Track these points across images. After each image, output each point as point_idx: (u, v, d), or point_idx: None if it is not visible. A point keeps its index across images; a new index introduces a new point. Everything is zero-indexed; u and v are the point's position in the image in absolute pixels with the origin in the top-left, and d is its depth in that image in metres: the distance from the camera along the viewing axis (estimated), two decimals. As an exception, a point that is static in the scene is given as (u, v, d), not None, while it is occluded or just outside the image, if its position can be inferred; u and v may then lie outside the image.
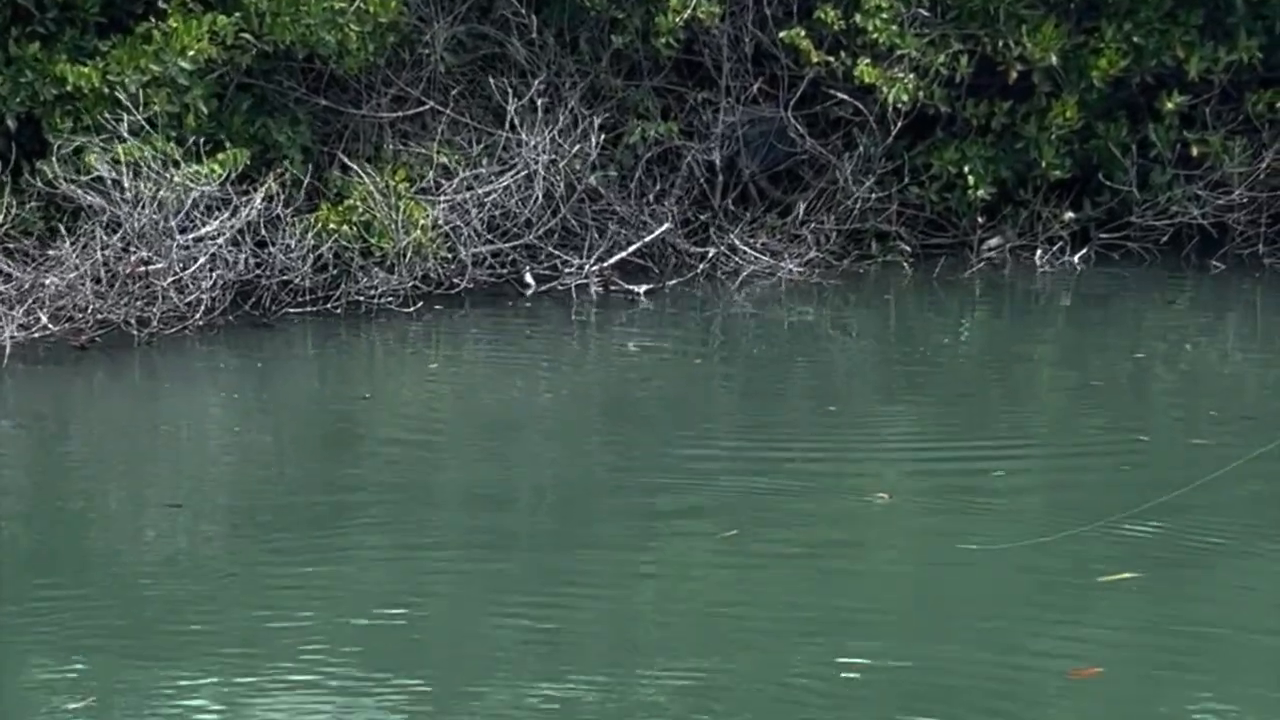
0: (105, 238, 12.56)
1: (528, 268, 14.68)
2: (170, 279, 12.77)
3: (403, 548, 8.74)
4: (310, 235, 13.54)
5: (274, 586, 8.20)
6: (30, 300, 12.35)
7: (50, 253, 12.68)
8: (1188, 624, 7.21)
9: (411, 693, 6.89)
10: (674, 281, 14.73)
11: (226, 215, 13.07)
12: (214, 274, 12.97)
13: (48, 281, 12.32)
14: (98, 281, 12.68)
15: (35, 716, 6.79)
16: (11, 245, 12.83)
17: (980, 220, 15.64)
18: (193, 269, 12.89)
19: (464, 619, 7.75)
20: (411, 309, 13.72)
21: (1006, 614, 7.29)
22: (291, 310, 13.54)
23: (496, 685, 6.96)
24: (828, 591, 7.72)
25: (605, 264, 14.70)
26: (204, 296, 12.89)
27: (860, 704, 6.50)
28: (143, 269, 12.54)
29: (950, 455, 9.92)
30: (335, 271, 13.72)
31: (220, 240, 12.99)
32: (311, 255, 13.52)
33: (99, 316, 12.53)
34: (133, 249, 12.71)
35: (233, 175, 13.32)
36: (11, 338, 12.07)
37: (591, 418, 11.46)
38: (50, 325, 12.44)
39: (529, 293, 14.50)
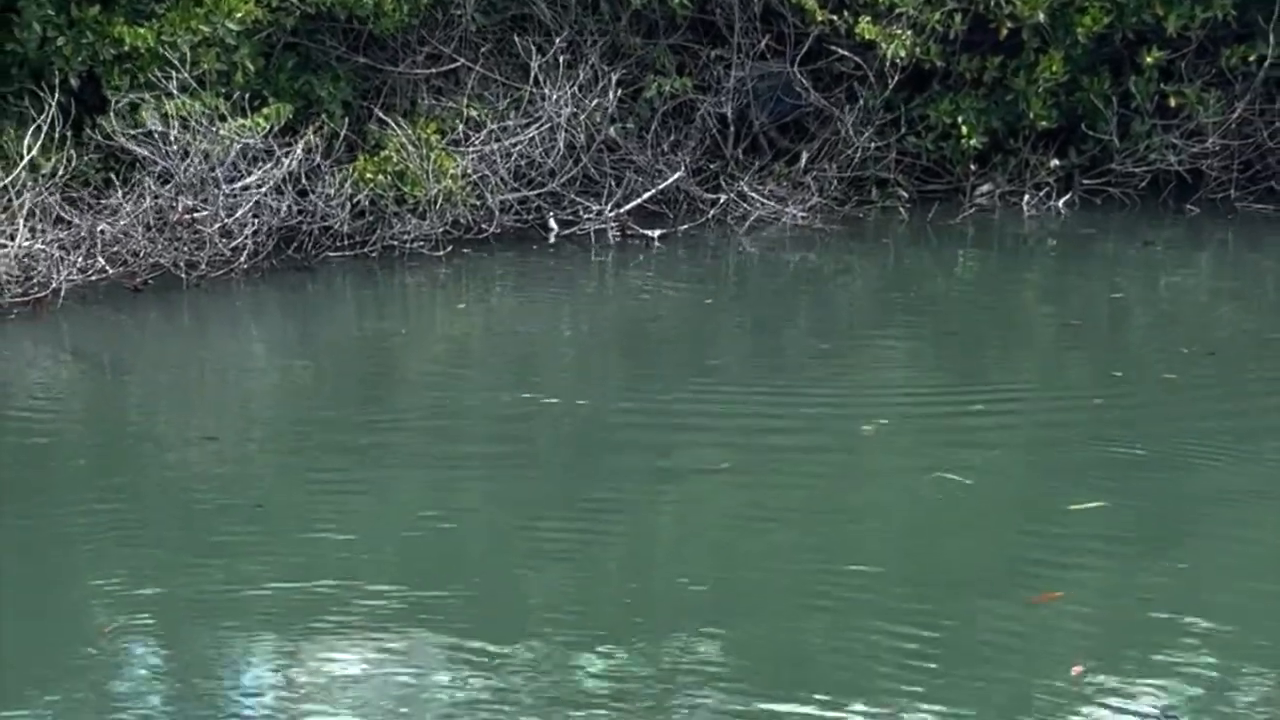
0: (155, 187, 12.41)
1: (551, 214, 14.51)
2: (216, 225, 12.63)
3: (438, 469, 8.63)
4: (348, 184, 13.39)
5: (318, 503, 8.08)
6: (87, 245, 12.20)
7: (105, 202, 12.48)
8: (1152, 550, 7.02)
9: (450, 602, 6.80)
10: (685, 226, 14.53)
11: (270, 166, 12.90)
12: (257, 221, 12.82)
13: (101, 228, 12.15)
14: (149, 228, 12.55)
15: (94, 617, 6.79)
16: (74, 194, 12.68)
17: (972, 168, 15.46)
18: (237, 215, 12.74)
19: (498, 533, 7.66)
20: (442, 253, 13.56)
21: (973, 541, 7.11)
22: (330, 255, 13.40)
23: (530, 592, 6.91)
24: (809, 518, 7.55)
25: (622, 210, 14.51)
26: (248, 242, 12.74)
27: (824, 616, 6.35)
28: (190, 216, 12.39)
29: (936, 390, 9.74)
30: (371, 218, 13.58)
31: (264, 189, 12.84)
32: (349, 203, 13.38)
33: (151, 260, 12.40)
34: (181, 198, 12.55)
35: (276, 129, 13.17)
36: (69, 280, 11.95)
37: (609, 351, 11.33)
38: (108, 268, 12.31)
39: (552, 237, 14.32)
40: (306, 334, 12.18)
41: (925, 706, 5.62)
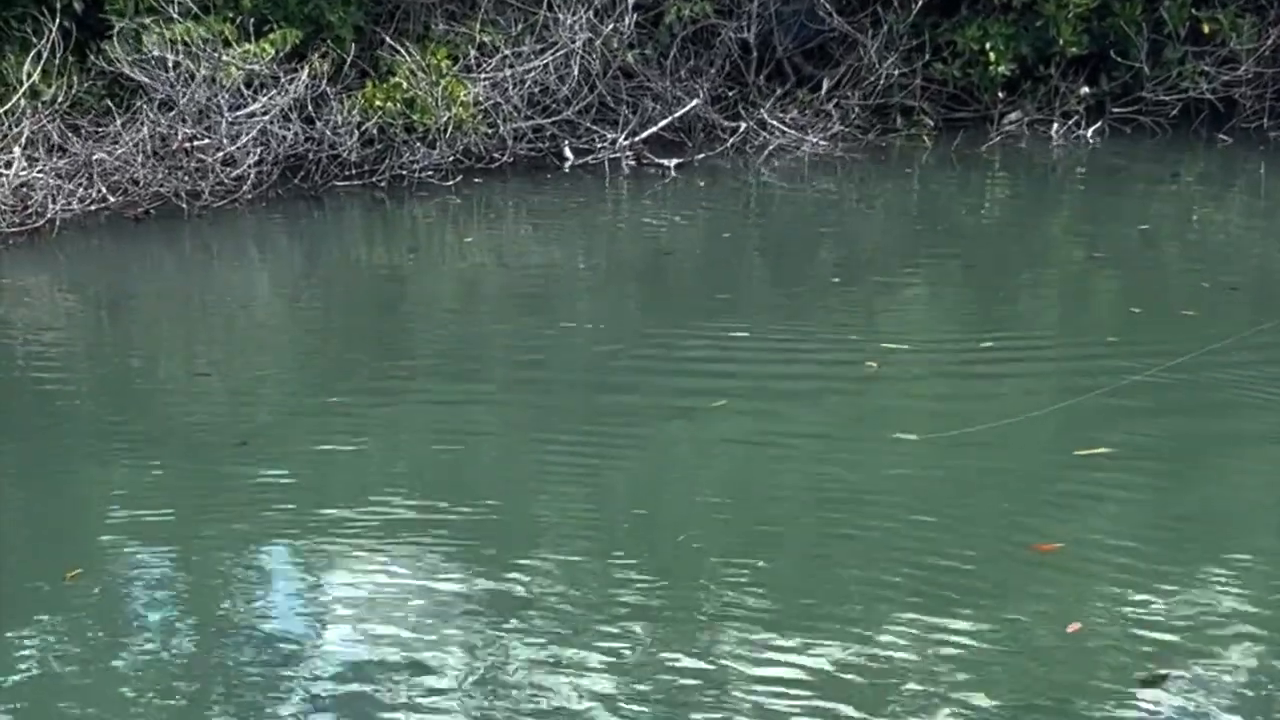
0: (153, 114, 12.15)
1: (566, 142, 14.20)
2: (219, 154, 12.37)
3: (450, 392, 8.42)
4: (356, 112, 13.11)
5: (335, 427, 7.90)
6: (86, 174, 11.96)
7: (105, 129, 12.24)
8: (1158, 499, 6.72)
9: (466, 518, 6.67)
10: (702, 156, 14.22)
11: (274, 92, 12.62)
12: (261, 149, 12.55)
13: (98, 157, 11.91)
14: (151, 157, 12.31)
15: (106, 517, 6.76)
16: (75, 122, 12.44)
17: (1000, 95, 15.10)
18: (241, 143, 12.47)
19: (510, 452, 7.52)
20: (451, 182, 13.29)
21: (977, 485, 6.81)
22: (338, 184, 13.14)
23: (543, 508, 6.77)
24: (815, 452, 7.28)
25: (637, 139, 14.19)
26: (251, 171, 12.48)
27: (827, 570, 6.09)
28: (189, 144, 12.12)
29: (951, 326, 9.43)
30: (380, 147, 13.29)
31: (269, 117, 12.55)
32: (357, 131, 13.09)
33: (152, 190, 12.15)
34: (182, 125, 12.29)
35: (281, 54, 12.89)
36: (67, 209, 11.72)
37: (622, 285, 11.00)
38: (109, 197, 12.08)
39: (567, 166, 14.03)
40: (312, 265, 11.92)
41: (911, 657, 5.37)
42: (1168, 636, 5.48)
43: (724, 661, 5.43)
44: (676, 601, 5.88)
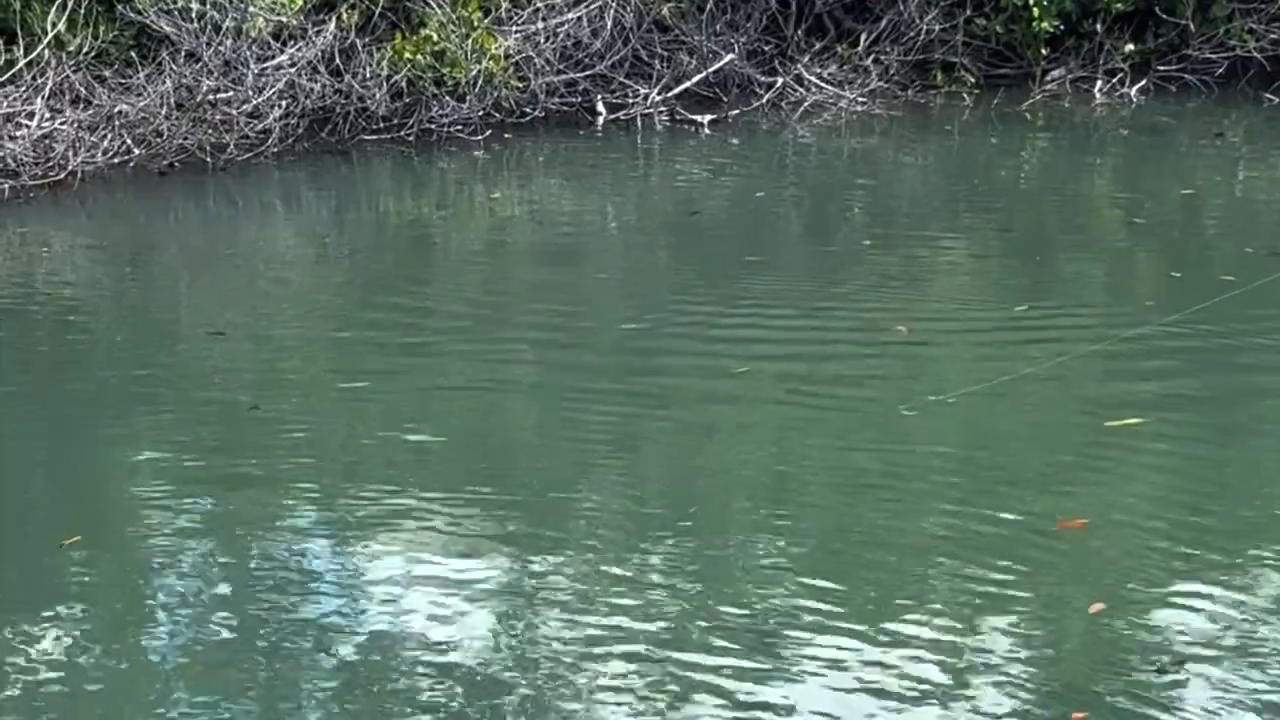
0: (176, 67, 11.98)
1: (599, 97, 13.99)
2: (245, 107, 12.21)
3: (477, 351, 8.30)
4: (384, 64, 12.92)
5: (367, 369, 7.89)
6: (108, 127, 11.82)
7: (128, 81, 12.08)
8: (1187, 474, 6.50)
9: (497, 487, 6.53)
10: (736, 112, 13.99)
11: (301, 44, 12.45)
12: (284, 102, 12.37)
13: (120, 108, 11.76)
14: (177, 109, 12.16)
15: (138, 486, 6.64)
16: (99, 74, 12.28)
17: (1044, 52, 14.80)
18: (264, 96, 12.30)
19: (538, 410, 7.45)
20: (480, 137, 13.09)
21: (1005, 454, 6.61)
22: (365, 138, 12.97)
23: (573, 466, 6.67)
24: (845, 416, 7.10)
25: (670, 94, 13.97)
26: (277, 124, 12.32)
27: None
28: (213, 97, 11.97)
29: (985, 291, 9.22)
30: (408, 100, 13.10)
31: (294, 69, 12.38)
32: (386, 84, 12.91)
33: (175, 143, 12.00)
34: (208, 78, 12.13)
35: (310, 5, 12.71)
36: (90, 162, 11.58)
37: (651, 245, 10.80)
38: (134, 149, 11.94)
39: (600, 121, 13.83)
40: (338, 220, 11.75)
41: (926, 634, 5.20)
42: (1192, 620, 5.28)
43: (757, 631, 5.27)
44: (702, 559, 5.77)
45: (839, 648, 5.17)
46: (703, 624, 5.30)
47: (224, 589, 5.75)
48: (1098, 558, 5.78)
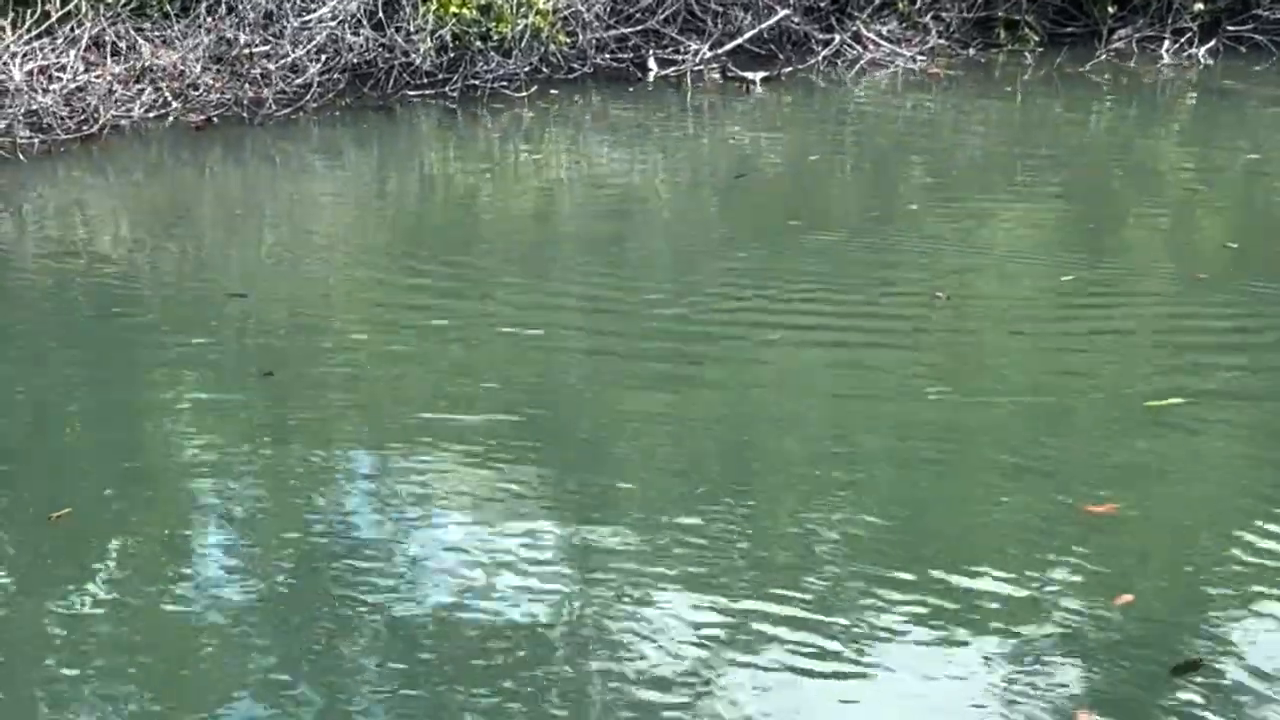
0: (211, 20, 11.80)
1: (651, 53, 13.72)
2: (284, 61, 12.02)
3: (531, 293, 8.25)
4: (430, 18, 12.70)
5: (414, 317, 7.88)
6: (144, 80, 11.67)
7: (163, 34, 11.90)
8: (1230, 461, 6.21)
9: (546, 404, 6.65)
10: (789, 70, 13.70)
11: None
12: (323, 57, 12.17)
13: (150, 63, 11.58)
14: (219, 61, 11.99)
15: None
16: (136, 26, 12.12)
17: (1111, 10, 14.42)
18: (304, 50, 12.11)
19: (592, 342, 7.46)
20: (525, 93, 12.86)
21: (1038, 432, 6.34)
22: (409, 94, 12.76)
23: (620, 425, 6.51)
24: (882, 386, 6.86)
25: (720, 50, 13.69)
26: (316, 79, 12.12)
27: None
28: (248, 51, 11.78)
29: (1036, 257, 8.90)
30: (453, 55, 12.87)
31: (335, 22, 12.18)
32: (430, 38, 12.68)
33: (211, 98, 11.82)
34: (243, 32, 11.95)
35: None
36: (127, 116, 11.44)
37: (698, 209, 10.53)
38: (172, 102, 11.78)
39: (650, 78, 13.57)
40: (379, 177, 11.57)
41: (937, 621, 4.97)
42: (1222, 613, 5.02)
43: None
44: (759, 523, 5.63)
45: (855, 628, 4.94)
46: (765, 592, 5.15)
47: (272, 549, 5.60)
48: (1127, 547, 5.51)
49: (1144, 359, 7.14)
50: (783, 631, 4.94)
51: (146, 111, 11.56)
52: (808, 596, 5.14)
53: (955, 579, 5.22)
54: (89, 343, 7.88)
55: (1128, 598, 5.17)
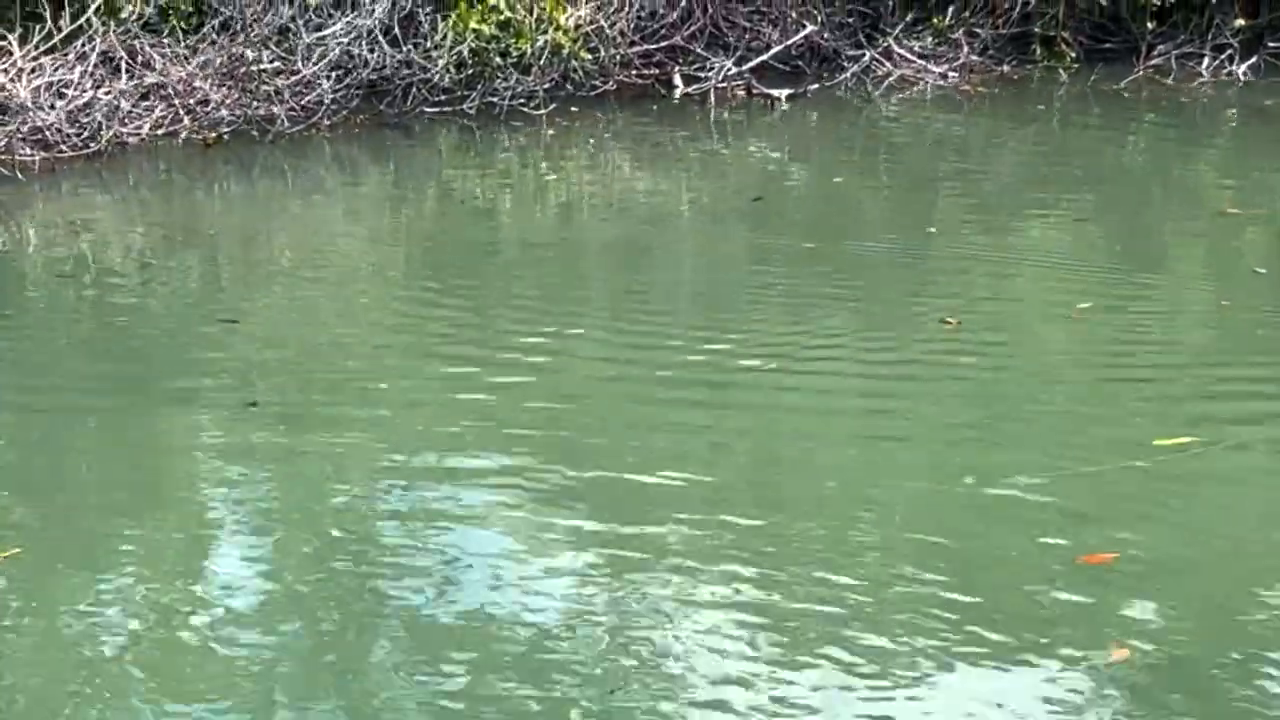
0: (219, 36, 11.63)
1: (676, 70, 13.50)
2: (295, 78, 11.84)
3: (548, 314, 8.09)
4: (448, 34, 12.50)
5: (435, 335, 7.82)
6: (154, 96, 11.51)
7: (172, 50, 11.73)
8: (1238, 508, 5.92)
9: (568, 426, 6.59)
10: (815, 86, 13.44)
11: (356, 14, 12.07)
12: (336, 74, 11.99)
13: (159, 78, 11.41)
14: (231, 77, 11.83)
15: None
16: (149, 42, 11.95)
17: (1150, 25, 14.11)
18: (317, 66, 11.92)
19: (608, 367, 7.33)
20: (543, 111, 12.64)
21: (1035, 472, 6.05)
22: (426, 110, 12.56)
23: (651, 464, 6.24)
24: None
25: (744, 68, 13.44)
26: (328, 95, 11.94)
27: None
28: (255, 68, 11.60)
29: (1052, 282, 8.64)
30: (471, 72, 12.66)
31: (347, 39, 12.00)
32: (449, 54, 12.48)
33: (219, 115, 11.65)
34: (249, 47, 11.76)
35: (368, -30, 12.34)
36: (130, 133, 11.27)
37: (714, 231, 10.24)
38: (184, 118, 11.62)
39: (676, 95, 13.33)
40: (392, 198, 11.36)
41: (927, 679, 4.73)
42: (1219, 682, 4.74)
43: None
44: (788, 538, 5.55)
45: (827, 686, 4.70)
46: (796, 598, 5.14)
47: (297, 559, 5.57)
48: (1124, 599, 5.24)
49: (1162, 387, 6.88)
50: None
51: (155, 128, 11.38)
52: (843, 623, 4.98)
53: (928, 638, 5.00)
54: (83, 366, 7.71)
55: (1123, 653, 4.92)
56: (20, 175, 10.75)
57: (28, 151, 10.82)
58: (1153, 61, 13.95)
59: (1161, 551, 5.51)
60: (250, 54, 11.47)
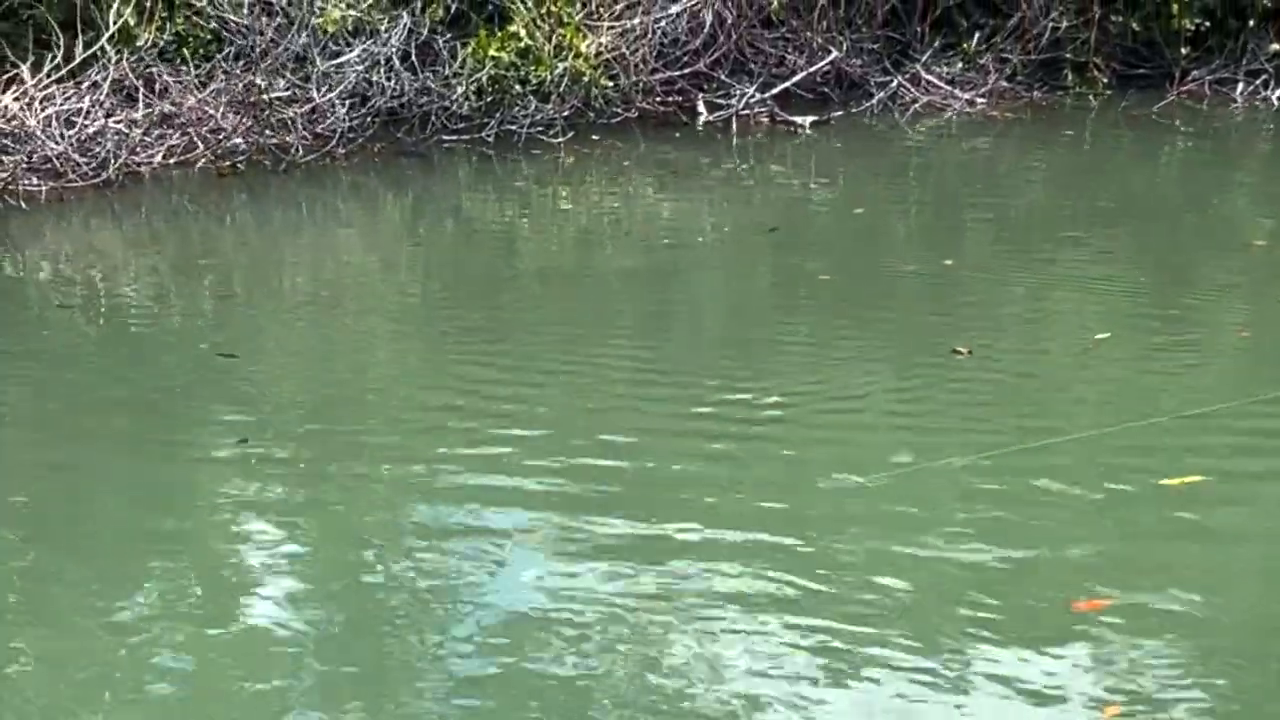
0: (230, 65, 11.55)
1: (700, 97, 13.36)
2: (308, 106, 11.75)
3: (569, 340, 8.11)
4: (468, 61, 12.40)
5: (452, 372, 7.72)
6: (167, 125, 11.44)
7: (185, 79, 11.66)
8: (1245, 555, 5.72)
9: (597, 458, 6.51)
10: (840, 113, 13.29)
11: (371, 41, 11.98)
12: (350, 102, 11.89)
13: (166, 109, 11.34)
14: (248, 105, 11.75)
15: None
16: (156, 70, 11.88)
17: (1184, 51, 13.91)
18: (334, 94, 11.83)
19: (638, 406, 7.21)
20: (561, 140, 12.51)
21: (1042, 518, 5.87)
22: (444, 139, 12.45)
23: (677, 494, 6.20)
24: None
25: (766, 95, 13.30)
26: (343, 124, 11.85)
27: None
28: (266, 97, 11.52)
29: (1067, 322, 8.45)
30: (489, 99, 12.55)
31: (362, 67, 11.91)
32: (467, 82, 12.37)
33: (231, 144, 11.57)
34: (259, 74, 11.68)
35: (386, 1, 12.25)
36: (143, 162, 11.20)
37: (725, 258, 10.10)
38: (199, 145, 11.55)
39: (700, 123, 13.20)
40: (409, 227, 11.24)
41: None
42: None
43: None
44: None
45: None
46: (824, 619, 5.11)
47: (322, 591, 5.56)
48: (1119, 648, 5.05)
49: (1180, 424, 6.69)
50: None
51: (168, 157, 11.30)
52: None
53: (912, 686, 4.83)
54: (92, 402, 7.59)
55: (1115, 709, 4.74)
56: (24, 205, 10.68)
57: (35, 181, 10.74)
58: (1186, 87, 13.76)
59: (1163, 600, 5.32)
60: (261, 82, 11.36)
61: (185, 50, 11.79)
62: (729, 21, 13.21)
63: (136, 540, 6.05)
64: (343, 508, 6.22)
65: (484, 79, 12.43)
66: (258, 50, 11.83)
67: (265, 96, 11.41)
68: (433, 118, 12.41)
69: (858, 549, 5.70)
